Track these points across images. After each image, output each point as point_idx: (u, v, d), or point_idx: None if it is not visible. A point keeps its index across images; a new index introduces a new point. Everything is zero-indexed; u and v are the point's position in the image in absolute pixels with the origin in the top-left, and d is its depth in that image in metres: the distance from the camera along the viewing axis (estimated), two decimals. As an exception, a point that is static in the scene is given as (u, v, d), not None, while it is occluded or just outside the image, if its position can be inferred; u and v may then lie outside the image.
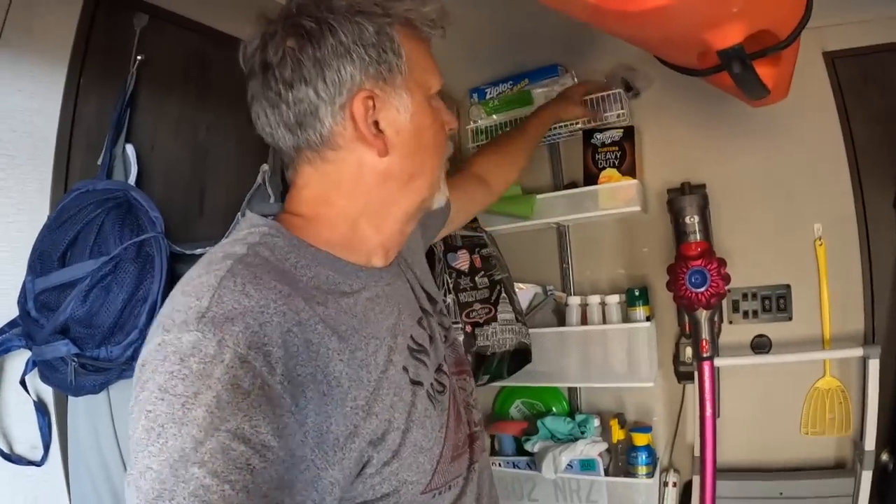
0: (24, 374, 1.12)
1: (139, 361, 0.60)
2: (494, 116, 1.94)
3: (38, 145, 1.20)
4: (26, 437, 1.14)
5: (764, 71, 1.12)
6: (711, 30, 0.93)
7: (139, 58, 1.31)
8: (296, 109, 0.75)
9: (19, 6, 1.17)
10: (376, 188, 0.80)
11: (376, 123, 0.77)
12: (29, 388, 1.13)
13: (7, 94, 1.17)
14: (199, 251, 1.26)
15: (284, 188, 1.51)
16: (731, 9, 0.88)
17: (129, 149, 1.27)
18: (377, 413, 0.69)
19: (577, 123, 1.81)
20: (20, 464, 1.11)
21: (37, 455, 1.14)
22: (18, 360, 1.14)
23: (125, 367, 1.10)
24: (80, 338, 1.06)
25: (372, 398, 0.69)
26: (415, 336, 0.83)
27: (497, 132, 1.91)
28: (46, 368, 1.10)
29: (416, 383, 0.78)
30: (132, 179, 1.25)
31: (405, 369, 0.77)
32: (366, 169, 0.79)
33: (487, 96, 1.97)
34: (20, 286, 1.12)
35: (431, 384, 0.81)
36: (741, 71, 1.02)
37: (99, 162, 1.24)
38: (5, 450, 1.11)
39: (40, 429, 1.14)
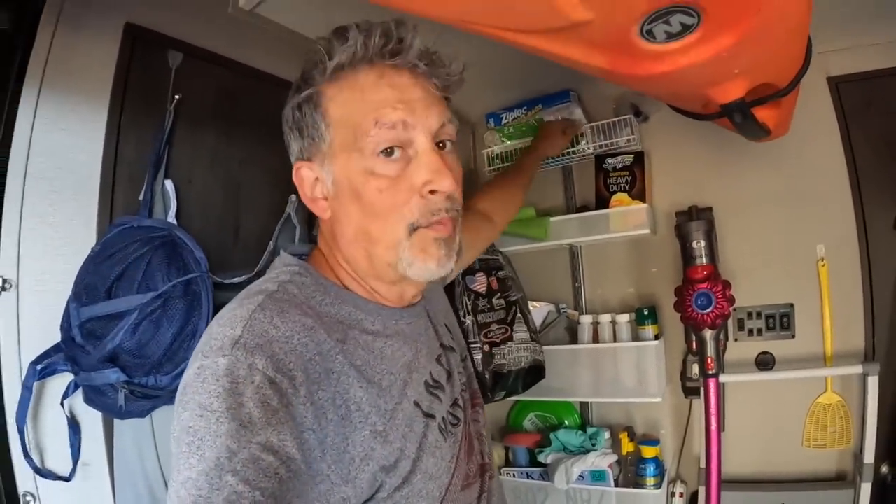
0: (66, 396, 1.19)
1: (181, 385, 0.67)
2: (509, 142, 2.01)
3: (82, 181, 1.27)
4: (65, 454, 1.21)
5: (764, 113, 1.19)
6: (714, 87, 1.00)
7: (177, 97, 1.37)
8: None
9: (60, 47, 1.24)
10: (346, 246, 0.84)
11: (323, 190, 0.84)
12: (64, 406, 1.20)
13: (51, 132, 1.24)
14: (237, 280, 1.34)
15: (310, 218, 1.58)
16: (733, 70, 0.95)
17: (168, 184, 1.34)
18: (392, 441, 0.75)
19: (588, 149, 1.88)
20: (49, 478, 1.17)
21: (80, 470, 1.20)
22: (57, 380, 1.21)
23: (173, 395, 1.17)
24: (129, 366, 1.13)
25: (389, 426, 0.76)
26: (433, 373, 0.89)
27: (511, 158, 1.99)
28: (93, 393, 1.17)
29: (428, 416, 0.83)
30: (172, 213, 1.33)
31: (418, 403, 0.82)
32: (329, 226, 0.86)
33: (503, 121, 2.03)
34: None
35: (444, 417, 0.87)
36: (742, 120, 1.09)
37: (140, 198, 1.31)
38: (40, 464, 1.18)
39: (71, 446, 1.20)
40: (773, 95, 1.10)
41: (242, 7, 1.37)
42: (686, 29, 0.82)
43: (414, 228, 0.79)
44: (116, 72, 1.31)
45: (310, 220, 1.59)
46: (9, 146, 1.21)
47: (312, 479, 0.66)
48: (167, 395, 1.17)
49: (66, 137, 1.25)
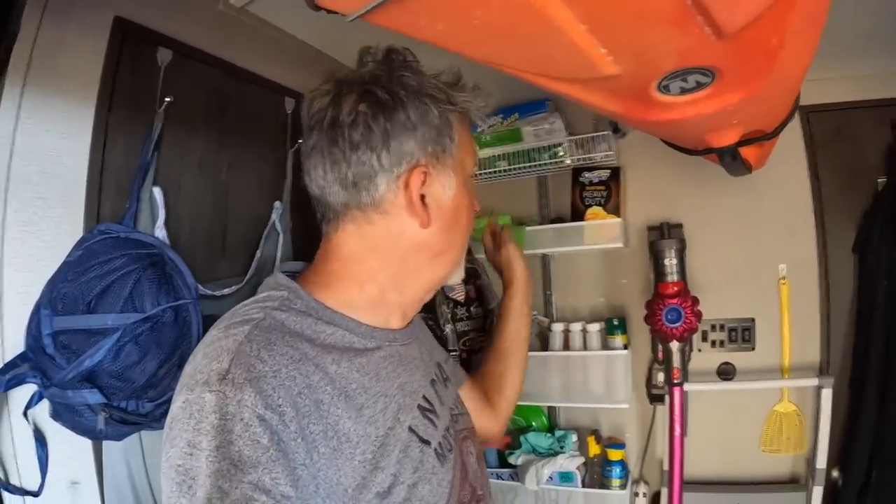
0: (29, 406, 1.10)
1: (168, 419, 0.66)
2: (487, 150, 2.03)
3: (69, 187, 1.19)
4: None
5: (748, 152, 1.24)
6: (712, 133, 1.06)
7: (167, 99, 1.31)
8: (355, 170, 0.79)
9: (45, 42, 1.16)
10: (410, 256, 0.85)
11: (423, 197, 0.82)
12: (28, 418, 1.11)
13: (36, 133, 1.15)
14: (227, 292, 1.32)
15: (294, 225, 1.57)
16: (733, 121, 1.00)
17: (157, 192, 1.28)
18: (383, 467, 0.74)
19: (566, 161, 1.92)
20: (17, 494, 1.10)
21: (70, 489, 1.16)
22: (21, 389, 1.11)
23: (155, 422, 1.12)
24: (109, 388, 1.07)
25: (379, 453, 0.75)
26: (427, 396, 0.89)
27: (490, 165, 2.03)
28: (66, 410, 1.09)
29: (424, 441, 0.82)
30: (160, 223, 1.27)
31: (413, 428, 0.82)
32: (405, 236, 0.83)
33: (478, 128, 2.02)
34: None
35: (440, 443, 0.86)
36: (732, 161, 1.14)
37: (127, 204, 1.25)
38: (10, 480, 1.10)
39: (39, 459, 1.11)
40: (760, 138, 1.15)
41: (233, 3, 1.33)
42: (699, 86, 0.86)
43: None
44: (104, 69, 1.23)
45: (293, 227, 1.58)
46: (-10, 149, 1.12)
47: None
48: (150, 422, 1.12)
49: (51, 139, 1.17)
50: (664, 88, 0.87)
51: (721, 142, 1.07)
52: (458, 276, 0.95)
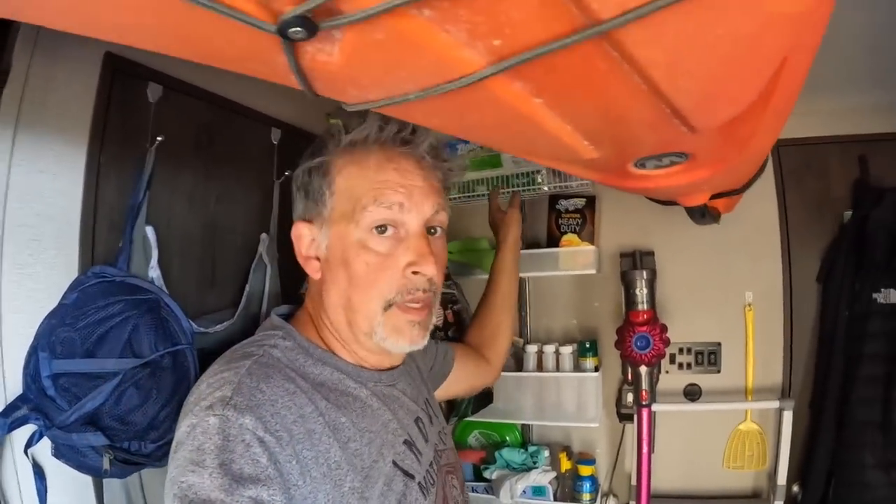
0: (29, 445, 1.10)
1: (174, 443, 0.72)
2: (468, 175, 2.06)
3: (62, 228, 1.18)
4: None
5: (718, 202, 1.32)
6: (683, 196, 1.12)
7: (159, 139, 1.28)
8: None
9: (37, 79, 1.14)
10: (331, 309, 0.90)
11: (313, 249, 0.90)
12: (28, 455, 1.10)
13: (29, 174, 1.14)
14: (219, 328, 1.36)
15: (281, 257, 1.61)
16: (703, 188, 1.07)
17: (150, 231, 1.28)
18: (368, 498, 0.80)
19: (544, 188, 1.97)
20: None
21: None
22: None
23: (157, 461, 1.15)
24: (111, 429, 1.08)
25: (365, 485, 0.80)
26: (411, 434, 0.94)
27: (470, 189, 2.07)
28: (69, 451, 1.09)
29: (408, 475, 0.88)
30: (154, 262, 1.28)
31: (397, 463, 0.87)
32: (318, 286, 0.91)
33: (459, 152, 2.05)
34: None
35: (424, 477, 0.92)
36: (700, 217, 1.22)
37: (120, 245, 1.24)
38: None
39: (38, 493, 1.11)
40: (729, 193, 1.23)
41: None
42: (673, 164, 0.92)
43: (389, 305, 0.86)
44: (96, 106, 1.21)
45: (280, 257, 1.61)
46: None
47: None
48: (152, 461, 1.14)
49: (44, 180, 1.16)
50: (640, 165, 0.93)
51: (691, 203, 1.14)
52: (394, 344, 0.88)
